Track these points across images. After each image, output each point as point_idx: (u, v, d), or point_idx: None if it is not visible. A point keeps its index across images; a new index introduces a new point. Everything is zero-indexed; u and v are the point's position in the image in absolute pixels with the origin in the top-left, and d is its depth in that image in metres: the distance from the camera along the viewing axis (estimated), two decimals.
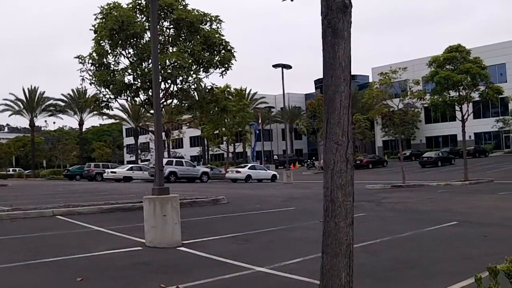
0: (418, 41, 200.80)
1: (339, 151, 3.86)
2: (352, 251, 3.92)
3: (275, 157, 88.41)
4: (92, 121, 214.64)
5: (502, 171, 45.67)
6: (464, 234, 12.32)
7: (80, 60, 20.07)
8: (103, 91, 20.44)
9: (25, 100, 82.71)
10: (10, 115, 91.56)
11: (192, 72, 20.38)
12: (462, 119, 34.08)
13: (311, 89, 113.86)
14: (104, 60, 20.35)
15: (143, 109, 25.51)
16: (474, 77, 33.30)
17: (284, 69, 47.80)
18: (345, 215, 3.89)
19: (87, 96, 40.60)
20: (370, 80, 76.13)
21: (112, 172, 54.98)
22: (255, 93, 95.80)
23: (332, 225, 3.88)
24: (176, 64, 19.73)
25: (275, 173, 53.89)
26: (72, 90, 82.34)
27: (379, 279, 7.88)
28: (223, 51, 21.27)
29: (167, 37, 21.14)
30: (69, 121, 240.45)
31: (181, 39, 21.04)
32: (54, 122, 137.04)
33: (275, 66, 48.08)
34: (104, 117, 55.18)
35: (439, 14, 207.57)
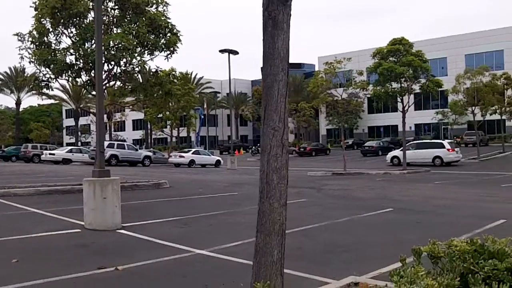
0: (364, 32, 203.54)
1: (276, 137, 4.02)
2: (285, 230, 4.12)
3: (230, 142, 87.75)
4: (30, 101, 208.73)
5: None
6: (398, 220, 12.76)
7: (19, 38, 19.47)
8: (43, 71, 19.90)
9: None
10: None
11: (136, 55, 20.17)
12: (403, 110, 34.91)
13: (258, 76, 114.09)
14: (45, 38, 19.78)
15: (85, 90, 25.11)
16: (415, 70, 34.13)
17: (230, 55, 47.63)
18: (279, 196, 4.07)
19: (25, 75, 39.68)
20: (316, 69, 76.88)
21: (50, 153, 53.47)
22: (201, 78, 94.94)
23: (266, 206, 4.06)
24: (120, 45, 19.47)
25: (219, 158, 53.87)
26: (9, 68, 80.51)
27: (315, 262, 8.12)
28: (168, 34, 21.06)
29: (111, 18, 20.77)
30: (5, 100, 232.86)
31: (125, 20, 20.69)
32: None
33: (221, 51, 47.81)
34: (44, 97, 53.67)
35: (385, 7, 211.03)
